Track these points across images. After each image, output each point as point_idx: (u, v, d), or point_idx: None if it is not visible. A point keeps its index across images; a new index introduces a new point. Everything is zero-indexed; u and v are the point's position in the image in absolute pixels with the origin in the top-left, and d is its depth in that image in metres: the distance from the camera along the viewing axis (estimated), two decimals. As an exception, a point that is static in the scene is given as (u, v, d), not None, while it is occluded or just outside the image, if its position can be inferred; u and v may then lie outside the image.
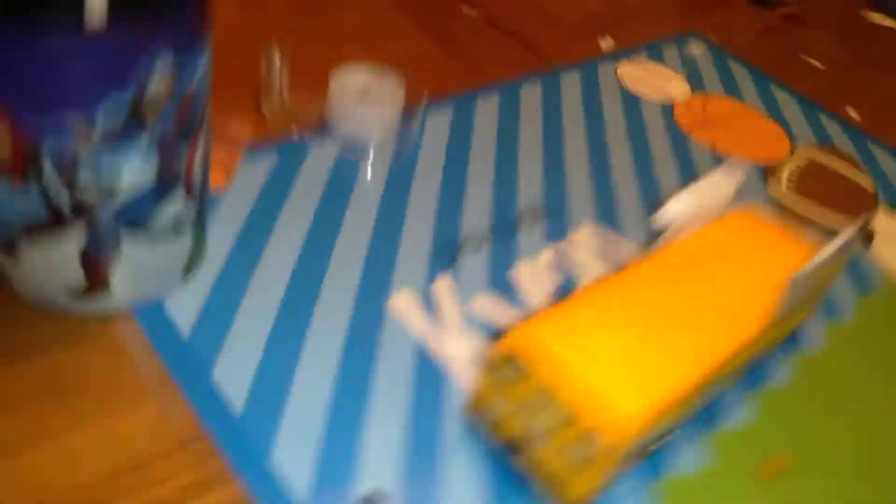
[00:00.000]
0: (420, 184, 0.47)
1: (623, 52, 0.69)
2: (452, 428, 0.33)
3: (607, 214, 0.48)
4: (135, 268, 0.34)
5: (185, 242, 0.35)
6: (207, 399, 0.32)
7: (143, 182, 0.31)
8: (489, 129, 0.54)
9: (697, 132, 0.59)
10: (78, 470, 0.29)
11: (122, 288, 0.34)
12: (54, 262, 0.32)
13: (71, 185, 0.29)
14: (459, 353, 0.37)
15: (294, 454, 0.31)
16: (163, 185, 0.32)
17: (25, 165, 0.28)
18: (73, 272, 0.32)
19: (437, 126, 0.53)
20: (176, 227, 0.34)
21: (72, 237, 0.31)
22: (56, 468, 0.28)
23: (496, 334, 0.38)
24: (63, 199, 0.29)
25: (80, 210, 0.30)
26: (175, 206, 0.33)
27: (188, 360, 0.33)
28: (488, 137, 0.53)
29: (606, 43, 0.69)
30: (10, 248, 0.32)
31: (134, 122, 0.28)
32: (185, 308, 0.36)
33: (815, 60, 0.73)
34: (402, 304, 0.39)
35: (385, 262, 0.41)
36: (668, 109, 0.62)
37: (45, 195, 0.29)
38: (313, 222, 0.42)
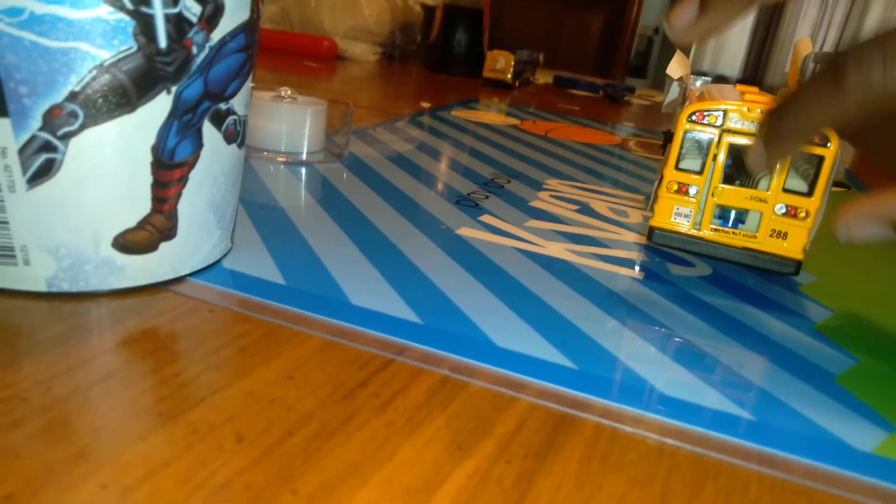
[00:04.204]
0: (386, 167, 0.44)
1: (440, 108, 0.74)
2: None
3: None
4: (199, 205, 0.24)
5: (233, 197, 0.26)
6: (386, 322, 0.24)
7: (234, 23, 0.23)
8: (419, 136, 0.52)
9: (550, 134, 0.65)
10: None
11: (183, 239, 0.24)
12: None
13: None
14: (561, 252, 0.33)
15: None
16: (246, 63, 0.24)
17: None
18: (136, 186, 0.22)
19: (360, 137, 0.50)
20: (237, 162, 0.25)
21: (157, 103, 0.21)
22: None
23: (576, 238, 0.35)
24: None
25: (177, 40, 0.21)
26: (241, 114, 0.25)
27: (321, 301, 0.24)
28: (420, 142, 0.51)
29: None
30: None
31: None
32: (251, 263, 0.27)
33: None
34: (471, 232, 0.34)
35: (423, 214, 0.36)
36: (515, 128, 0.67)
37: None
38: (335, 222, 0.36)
